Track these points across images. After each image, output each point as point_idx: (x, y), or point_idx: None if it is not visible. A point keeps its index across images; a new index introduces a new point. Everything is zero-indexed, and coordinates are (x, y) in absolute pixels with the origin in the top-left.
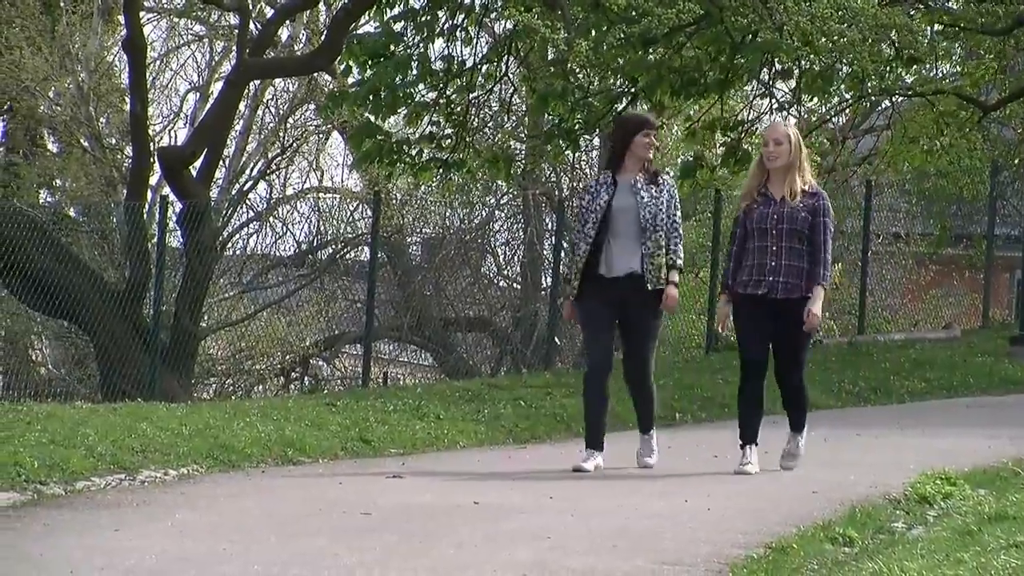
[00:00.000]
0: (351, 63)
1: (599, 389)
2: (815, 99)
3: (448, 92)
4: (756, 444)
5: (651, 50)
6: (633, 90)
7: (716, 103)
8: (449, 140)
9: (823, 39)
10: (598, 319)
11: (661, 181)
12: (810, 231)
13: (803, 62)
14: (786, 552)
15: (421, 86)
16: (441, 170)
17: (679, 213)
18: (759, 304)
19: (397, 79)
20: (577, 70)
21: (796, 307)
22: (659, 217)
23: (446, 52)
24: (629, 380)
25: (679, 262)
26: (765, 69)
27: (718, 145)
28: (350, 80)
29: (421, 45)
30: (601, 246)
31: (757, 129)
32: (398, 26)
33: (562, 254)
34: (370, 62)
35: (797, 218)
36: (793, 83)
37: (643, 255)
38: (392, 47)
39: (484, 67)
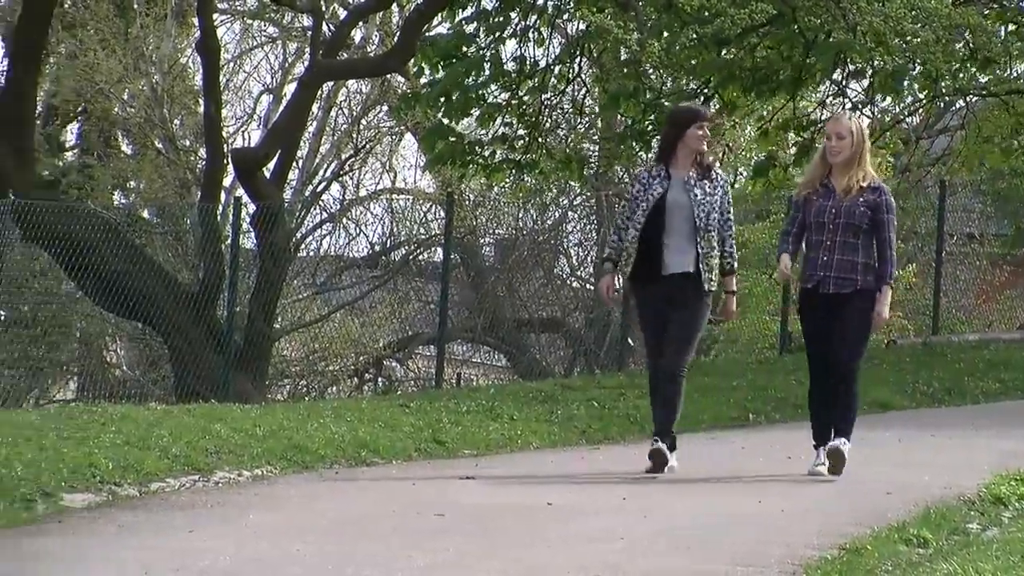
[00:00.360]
0: (423, 65)
1: (665, 387)
2: (888, 99)
3: (520, 93)
4: (827, 443)
5: (723, 50)
6: (706, 91)
7: (789, 103)
8: (522, 141)
9: (896, 39)
10: (653, 321)
11: (714, 176)
12: (872, 227)
13: (876, 62)
14: (860, 553)
15: (493, 87)
16: (514, 171)
17: (732, 210)
18: (814, 298)
19: (469, 80)
20: (650, 71)
21: (848, 301)
22: (712, 216)
23: (518, 53)
24: (660, 387)
25: (735, 265)
26: (838, 69)
27: (791, 145)
28: (422, 81)
29: (493, 46)
30: (657, 244)
31: None
32: (470, 27)
33: (612, 237)
34: (442, 63)
35: (855, 212)
36: (866, 83)
37: (698, 255)
38: (464, 48)
39: (556, 68)
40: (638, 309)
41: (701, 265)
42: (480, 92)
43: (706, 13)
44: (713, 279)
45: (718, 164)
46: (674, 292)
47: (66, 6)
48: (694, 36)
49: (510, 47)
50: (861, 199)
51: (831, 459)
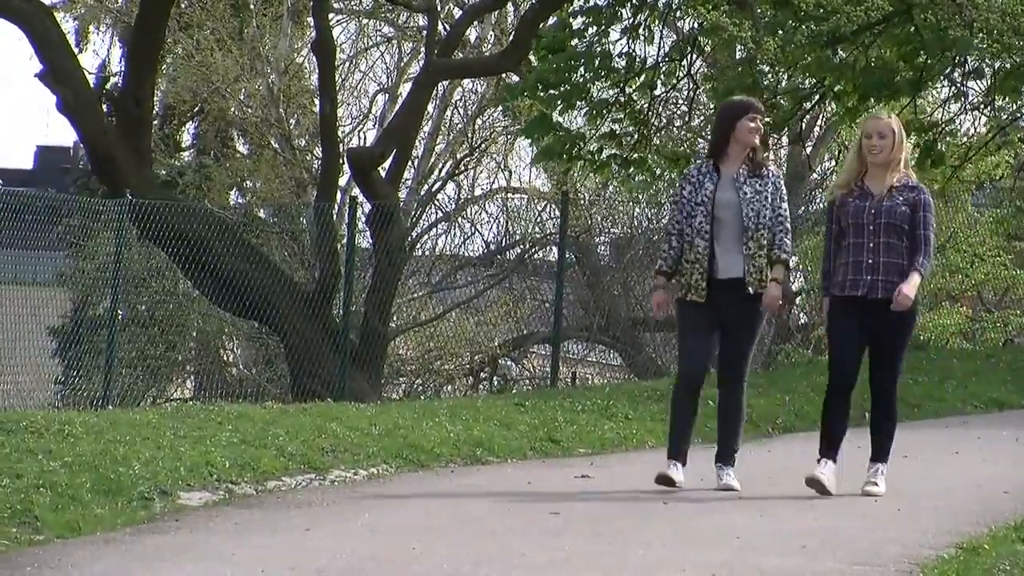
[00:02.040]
0: (531, 57)
1: (687, 406)
2: (1007, 99)
3: (629, 90)
4: (835, 461)
5: (839, 49)
6: (822, 89)
7: (909, 104)
8: (631, 138)
9: (1015, 37)
10: (694, 326)
11: (766, 173)
12: (910, 226)
13: (994, 60)
14: (977, 553)
15: (602, 83)
16: (620, 168)
17: (785, 205)
18: (856, 307)
19: (576, 75)
20: (765, 68)
21: (890, 308)
22: (763, 214)
23: (628, 50)
24: (719, 392)
25: (784, 256)
26: (957, 69)
27: (912, 146)
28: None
29: (600, 41)
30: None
31: (951, 130)
32: (577, 22)
33: (663, 245)
34: (549, 56)
35: (896, 212)
36: (986, 83)
37: (744, 257)
38: (571, 41)
39: (665, 66)
40: (682, 309)
41: (747, 267)
42: (586, 87)
43: (821, 10)
44: (763, 280)
45: (771, 161)
46: (723, 299)
47: (183, 6)
48: (809, 33)
49: (620, 44)
50: (901, 198)
51: (866, 494)
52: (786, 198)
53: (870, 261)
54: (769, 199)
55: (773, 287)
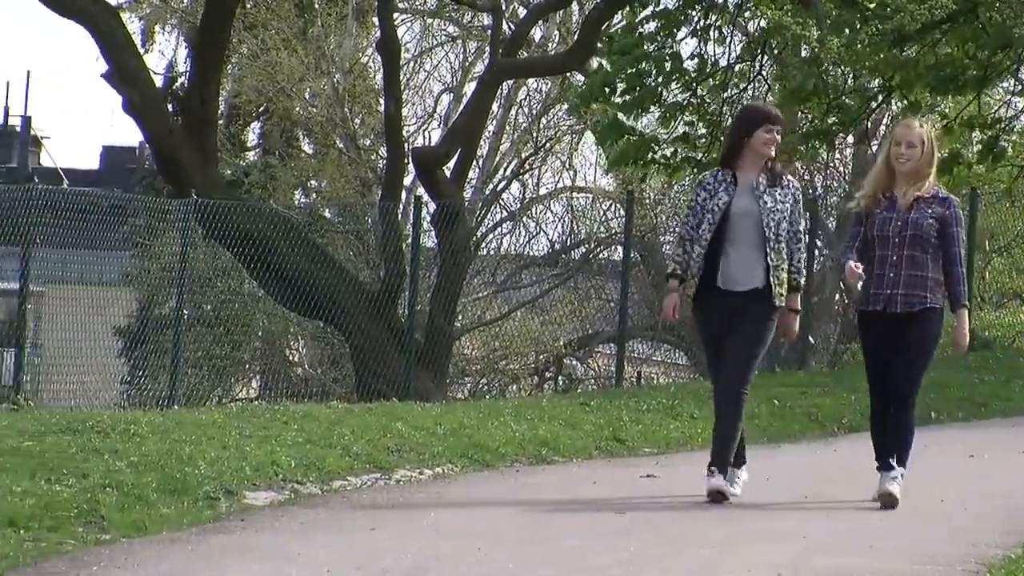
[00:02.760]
0: (601, 61)
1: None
2: None
3: (701, 92)
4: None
5: (905, 47)
6: (888, 88)
7: (973, 100)
8: (703, 140)
9: None
10: (714, 338)
11: (786, 183)
12: (940, 241)
13: None
14: None
15: (673, 85)
16: (695, 170)
17: (803, 222)
18: (879, 321)
19: (647, 79)
20: (830, 68)
21: (913, 321)
22: (782, 226)
23: (699, 51)
24: (721, 396)
25: (802, 282)
26: (1022, 66)
27: (975, 142)
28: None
29: (671, 44)
30: (718, 254)
31: (1016, 127)
32: (649, 26)
33: (676, 250)
34: (619, 59)
35: (922, 224)
36: None
37: (768, 268)
38: (642, 45)
39: (737, 67)
40: (698, 326)
41: (772, 279)
42: (659, 90)
43: (886, 9)
44: (784, 294)
45: (789, 172)
46: (738, 309)
47: (248, 7)
48: (874, 32)
49: (690, 46)
50: (929, 210)
51: (882, 500)
52: (804, 214)
53: (891, 275)
54: (789, 212)
55: (793, 319)
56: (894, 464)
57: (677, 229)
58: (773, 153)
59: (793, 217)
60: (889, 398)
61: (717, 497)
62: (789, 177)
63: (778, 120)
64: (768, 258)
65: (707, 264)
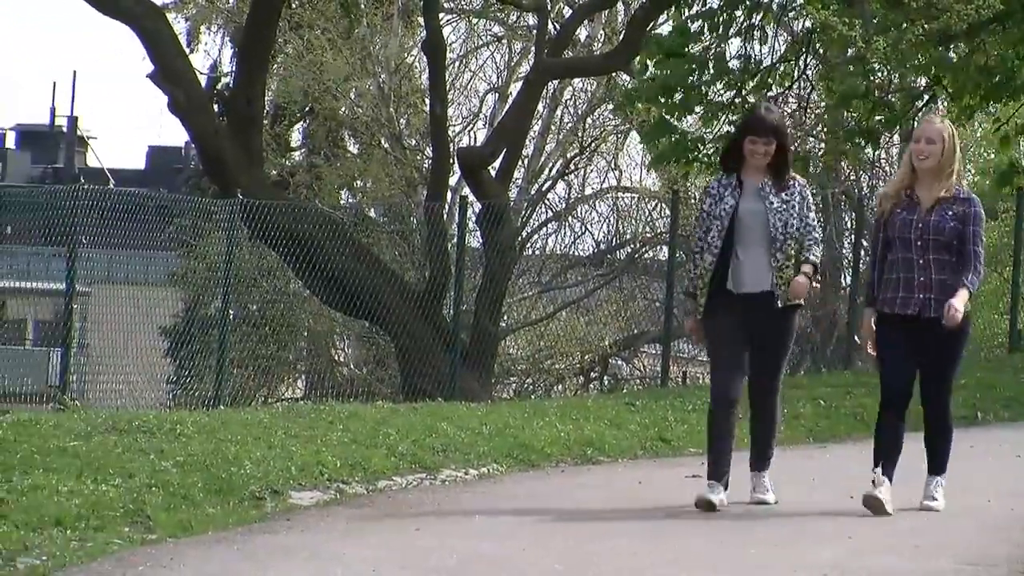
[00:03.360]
0: (648, 61)
1: (725, 423)
2: None
3: (744, 91)
4: (891, 480)
5: (951, 47)
6: (934, 88)
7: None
8: None
9: None
10: (725, 340)
11: (792, 184)
12: (959, 241)
13: None
14: None
15: (718, 85)
16: None
17: (813, 215)
18: (908, 325)
19: (691, 78)
20: (876, 67)
21: (942, 327)
22: (790, 224)
23: (743, 51)
24: (753, 404)
25: (812, 258)
26: None
27: None
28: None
29: (717, 44)
30: (728, 257)
31: None
32: (695, 25)
33: (689, 265)
34: (666, 60)
35: (945, 228)
36: None
37: (772, 269)
38: (688, 46)
39: (781, 66)
40: (709, 326)
41: (774, 279)
42: (704, 90)
43: (932, 9)
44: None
45: (795, 174)
46: (751, 314)
47: (293, 7)
48: (920, 32)
49: (734, 45)
50: (950, 212)
51: (925, 509)
52: (813, 207)
53: (921, 279)
54: (796, 209)
55: (801, 277)
56: (930, 476)
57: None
58: (763, 163)
59: (802, 212)
60: (927, 406)
61: (707, 507)
62: (795, 177)
63: (766, 132)
64: (774, 259)
65: (718, 269)
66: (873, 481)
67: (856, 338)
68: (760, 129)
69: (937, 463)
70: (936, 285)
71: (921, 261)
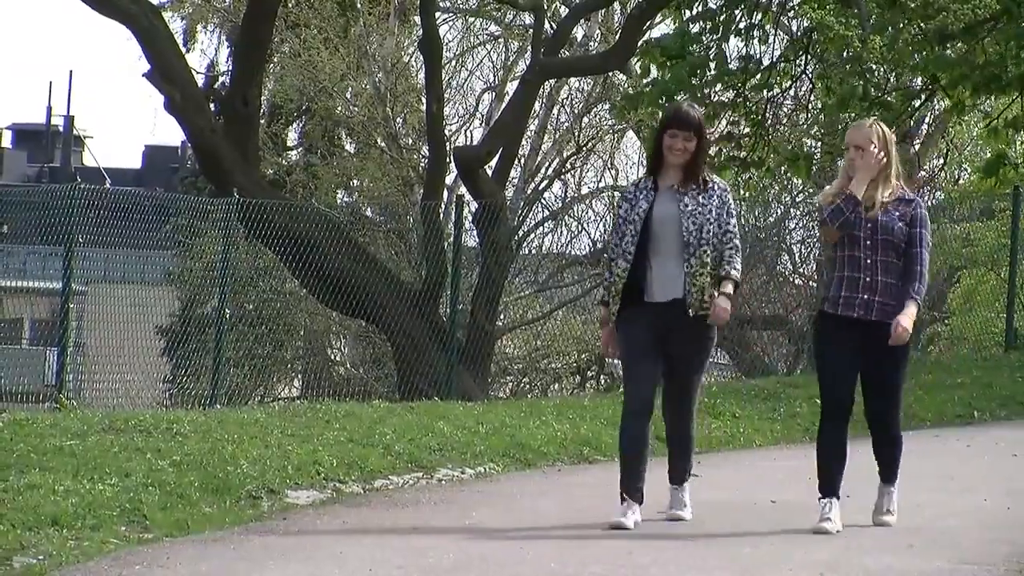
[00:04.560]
0: (649, 64)
1: (638, 434)
2: None
3: (745, 91)
4: (838, 497)
5: (948, 46)
6: (931, 87)
7: (1017, 99)
8: (748, 139)
9: None
10: (638, 352)
11: (711, 186)
12: (907, 243)
13: None
14: None
15: (718, 86)
16: (739, 169)
17: (734, 221)
18: (851, 328)
19: (693, 80)
20: (873, 66)
21: (887, 334)
22: (705, 229)
23: (743, 51)
24: (668, 417)
25: (734, 272)
26: None
27: (1021, 143)
28: (646, 80)
29: (717, 44)
30: (643, 265)
31: None
32: (695, 27)
33: (604, 272)
34: (667, 63)
35: (894, 228)
36: None
37: (685, 276)
38: (688, 48)
39: (781, 66)
40: (622, 336)
41: (687, 286)
42: (705, 91)
43: (929, 9)
44: (706, 301)
45: (713, 175)
46: (664, 323)
47: (290, 5)
48: (917, 31)
49: (733, 45)
50: (897, 213)
51: (879, 525)
52: (734, 213)
53: (867, 279)
54: (714, 213)
55: (722, 300)
56: (884, 485)
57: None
58: (680, 161)
59: (721, 219)
60: (873, 421)
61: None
62: (715, 179)
63: (686, 124)
64: (686, 264)
65: (631, 276)
66: (822, 514)
67: None
68: (682, 123)
69: (889, 472)
70: (881, 287)
71: (868, 261)
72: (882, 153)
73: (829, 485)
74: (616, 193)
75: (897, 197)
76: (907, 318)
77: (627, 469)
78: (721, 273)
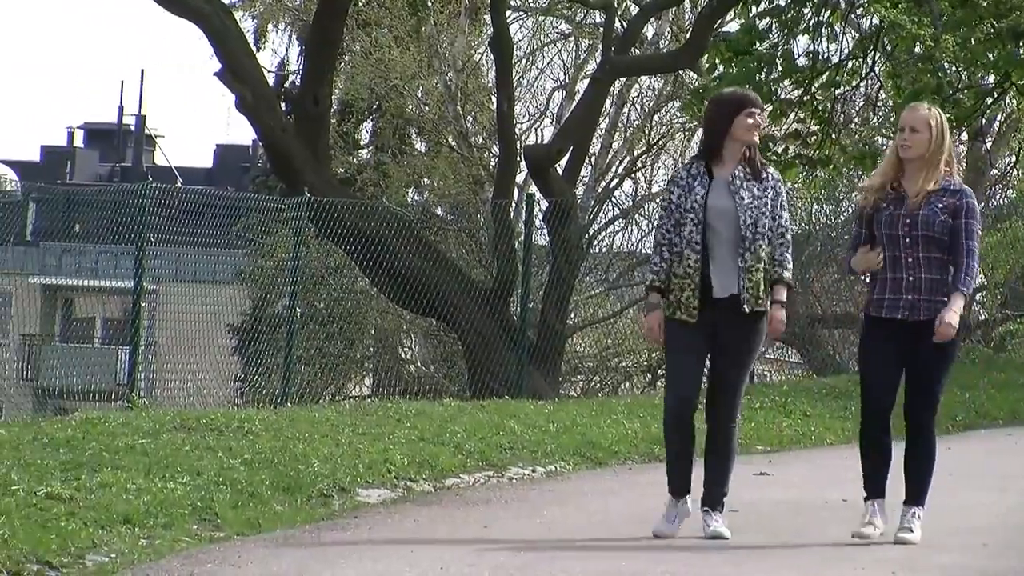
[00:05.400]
0: (716, 60)
1: (683, 431)
2: None
3: (813, 89)
4: (883, 498)
5: (1021, 44)
6: (1004, 85)
7: None
8: (815, 137)
9: None
10: (686, 345)
11: (765, 176)
12: (951, 235)
13: None
14: None
15: (786, 83)
16: (806, 167)
17: (787, 215)
18: (895, 330)
19: (760, 76)
20: (945, 65)
21: (932, 331)
22: (761, 222)
23: (811, 49)
24: (708, 426)
25: (786, 275)
26: None
27: None
28: (713, 76)
29: (785, 41)
30: (705, 257)
31: None
32: (763, 23)
33: (654, 258)
34: (734, 59)
35: (935, 223)
36: None
37: (740, 270)
38: (756, 44)
39: (849, 64)
40: (670, 328)
41: (743, 282)
42: (771, 88)
43: (1001, 7)
44: (760, 297)
45: (769, 165)
46: (719, 321)
47: (361, 4)
48: (990, 30)
49: (802, 43)
50: (940, 205)
51: (899, 543)
52: (787, 206)
53: (910, 279)
54: (769, 206)
55: (778, 310)
56: (907, 507)
57: (654, 235)
58: (756, 139)
59: (776, 211)
60: (909, 418)
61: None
62: (770, 170)
63: (759, 104)
64: (741, 259)
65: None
66: (865, 519)
67: None
68: (753, 99)
69: (915, 490)
70: (925, 285)
71: (909, 259)
72: (937, 140)
73: (873, 486)
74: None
75: (942, 187)
76: (952, 313)
77: (671, 468)
78: (774, 276)
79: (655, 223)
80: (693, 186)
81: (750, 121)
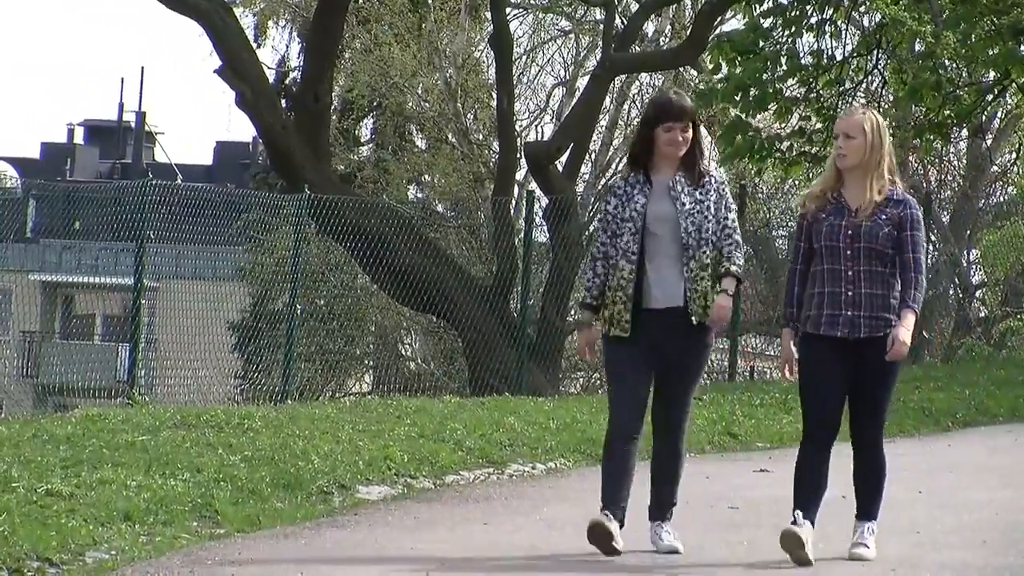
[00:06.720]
0: (720, 60)
1: (624, 455)
2: None
3: (817, 87)
4: (813, 525)
5: (1021, 41)
6: (1004, 82)
7: None
8: (820, 134)
9: None
10: (628, 368)
11: (707, 180)
12: (895, 248)
13: None
14: None
15: (790, 81)
16: (810, 164)
17: (733, 215)
18: (835, 349)
19: (766, 75)
20: (946, 62)
21: (882, 346)
22: (705, 228)
23: (815, 47)
24: (655, 437)
25: (734, 268)
26: None
27: None
28: (717, 76)
29: (789, 40)
30: (640, 267)
31: None
32: (766, 22)
33: (588, 273)
34: (739, 58)
35: (878, 235)
36: None
37: (685, 280)
38: (760, 43)
39: (854, 61)
40: (609, 347)
41: (688, 293)
42: (776, 87)
43: (1001, 4)
44: (708, 306)
45: (712, 166)
46: (659, 331)
47: (361, 1)
48: (991, 27)
49: (805, 41)
50: (883, 216)
51: (854, 559)
52: (733, 207)
53: (849, 293)
54: (712, 209)
55: (722, 298)
56: (859, 521)
57: (589, 249)
58: (680, 153)
59: (720, 213)
60: (857, 436)
61: (604, 539)
62: (711, 172)
63: (681, 115)
64: (686, 269)
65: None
66: (794, 519)
67: (924, 332)
68: (676, 114)
69: (868, 505)
70: (866, 301)
71: (850, 273)
72: (873, 145)
73: (807, 511)
74: None
75: (886, 198)
76: (905, 331)
77: (608, 491)
78: (721, 270)
79: (594, 237)
80: (632, 195)
81: (668, 136)
